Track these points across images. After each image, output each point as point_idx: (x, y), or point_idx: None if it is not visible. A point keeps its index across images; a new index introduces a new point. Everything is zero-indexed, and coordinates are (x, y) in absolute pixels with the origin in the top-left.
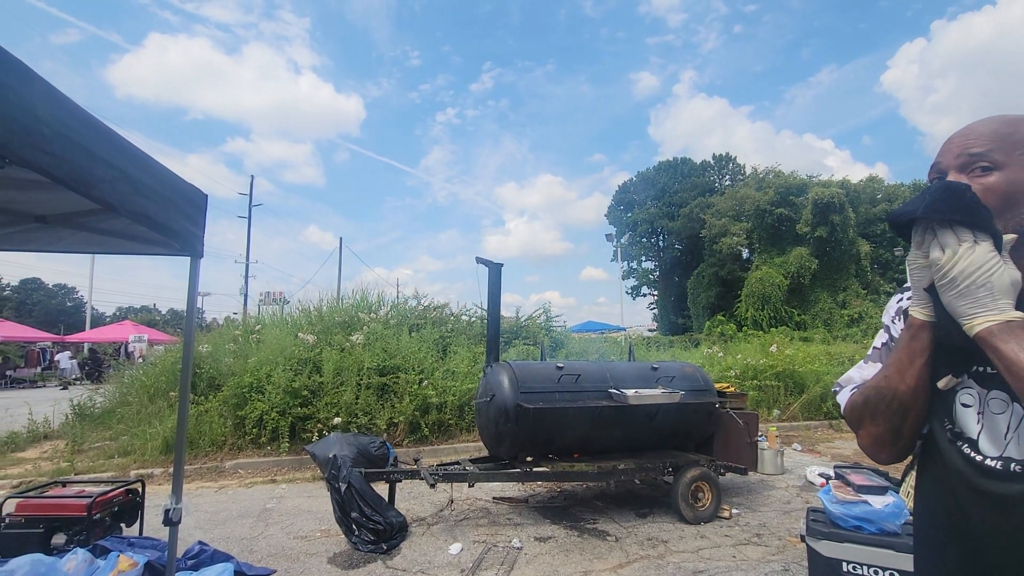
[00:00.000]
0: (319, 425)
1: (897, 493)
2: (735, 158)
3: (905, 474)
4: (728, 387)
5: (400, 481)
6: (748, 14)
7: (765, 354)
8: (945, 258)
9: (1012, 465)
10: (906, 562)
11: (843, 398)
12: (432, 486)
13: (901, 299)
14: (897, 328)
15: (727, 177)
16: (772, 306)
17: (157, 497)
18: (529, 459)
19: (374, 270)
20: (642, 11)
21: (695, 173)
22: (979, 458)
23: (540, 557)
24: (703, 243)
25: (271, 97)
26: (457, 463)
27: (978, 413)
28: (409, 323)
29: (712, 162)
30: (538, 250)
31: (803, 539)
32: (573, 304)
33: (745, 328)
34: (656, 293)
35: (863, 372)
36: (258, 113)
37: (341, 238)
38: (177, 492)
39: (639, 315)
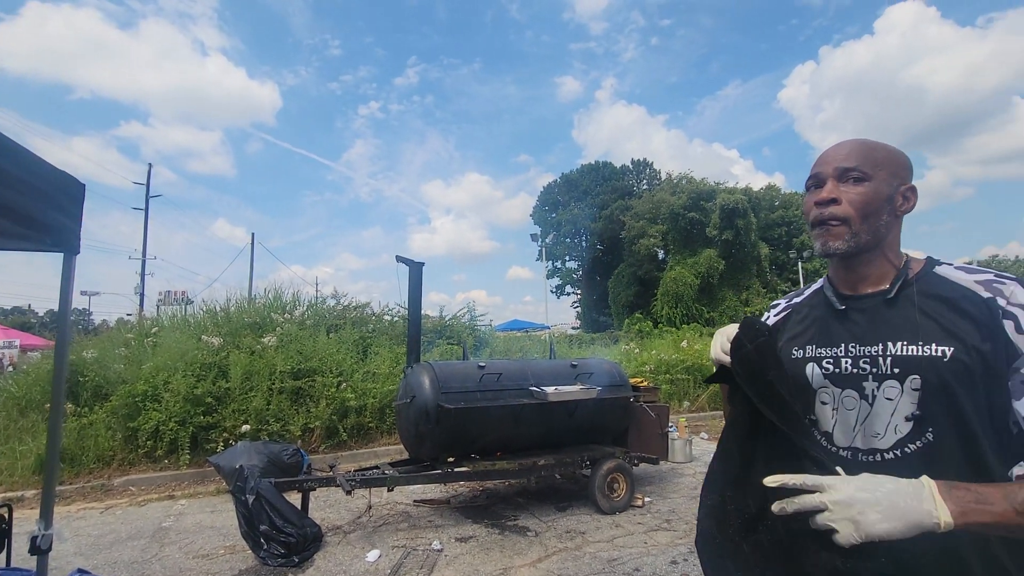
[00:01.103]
0: (225, 434)
1: None
2: (652, 163)
3: None
4: (642, 382)
5: (314, 489)
6: (663, 28)
7: (677, 349)
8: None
9: (859, 455)
10: None
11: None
12: (349, 493)
13: (768, 317)
14: None
15: (645, 181)
16: (684, 304)
17: (27, 523)
18: (451, 460)
19: (290, 268)
20: (566, 17)
21: (615, 177)
22: (833, 448)
23: (461, 558)
24: (623, 244)
25: (173, 79)
26: (376, 467)
27: (833, 410)
28: (327, 324)
29: (631, 167)
30: (465, 249)
31: None
32: (499, 303)
33: (660, 325)
34: (579, 292)
35: None
36: (157, 95)
37: (253, 233)
38: (47, 516)
39: (563, 313)
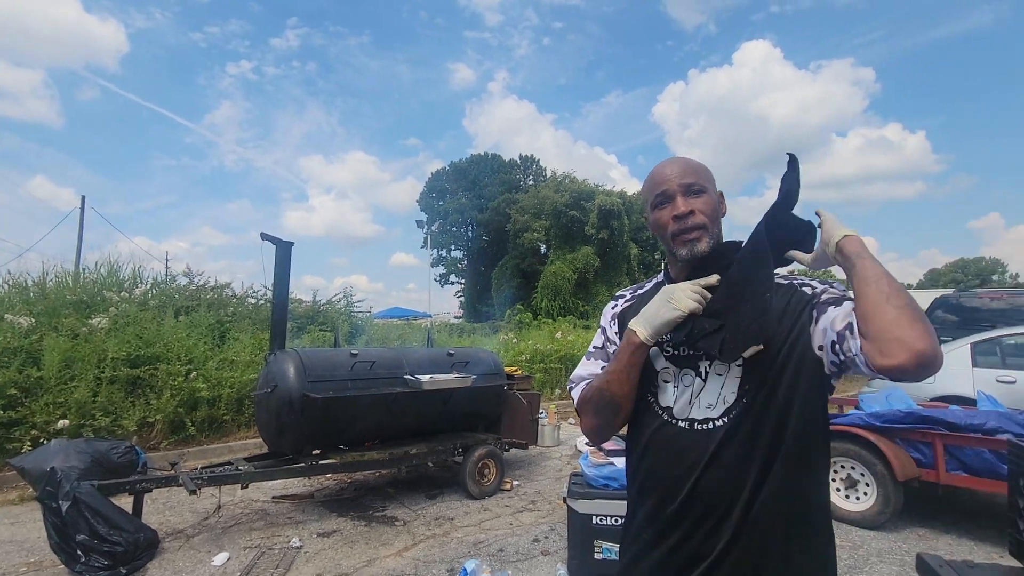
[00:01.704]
0: (34, 432)
1: None
2: (539, 160)
3: None
4: (516, 370)
5: (150, 491)
6: (555, 30)
7: (552, 340)
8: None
9: (695, 424)
10: None
11: (576, 393)
12: (193, 492)
13: (616, 306)
14: (612, 332)
15: (531, 177)
16: (562, 297)
17: None
18: (316, 452)
19: (133, 240)
20: (462, 3)
21: (504, 170)
22: (672, 420)
23: (322, 553)
24: (508, 236)
25: None
26: (229, 463)
27: (673, 387)
28: (177, 305)
29: (519, 161)
30: (346, 231)
31: (565, 501)
32: (381, 289)
33: (540, 317)
34: (463, 282)
35: (588, 369)
36: None
37: (84, 197)
38: None
39: (447, 302)
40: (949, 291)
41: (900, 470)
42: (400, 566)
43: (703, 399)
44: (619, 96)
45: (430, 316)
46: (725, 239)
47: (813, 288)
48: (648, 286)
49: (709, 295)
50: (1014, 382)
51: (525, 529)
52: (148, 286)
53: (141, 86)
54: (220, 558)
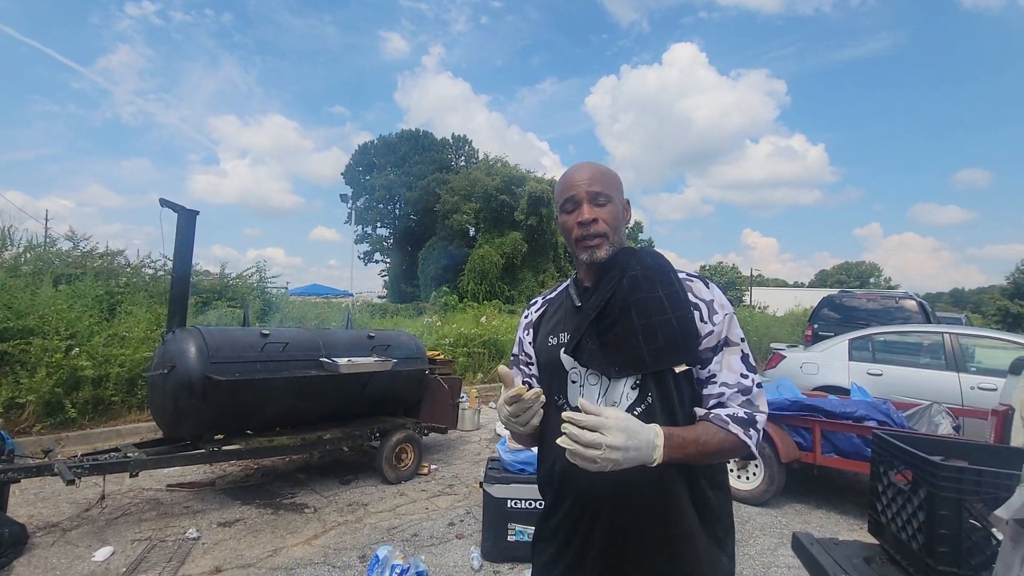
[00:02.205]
0: None
1: None
2: (471, 141)
3: None
4: (439, 354)
5: (17, 481)
6: (494, 9)
7: (477, 324)
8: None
9: None
10: None
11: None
12: (71, 482)
13: (528, 315)
14: (528, 341)
15: (463, 158)
16: (489, 281)
17: None
18: (218, 437)
19: (4, 195)
20: None
21: (435, 148)
22: None
23: (223, 543)
24: (437, 217)
25: None
26: (116, 449)
27: (579, 386)
28: (57, 272)
29: (451, 141)
30: (262, 200)
31: (481, 485)
32: (299, 264)
33: (466, 300)
34: (389, 261)
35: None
36: None
37: None
38: None
39: (371, 281)
40: (835, 291)
41: (784, 453)
42: (308, 555)
43: (609, 397)
44: (554, 84)
45: (351, 295)
46: (630, 243)
47: (699, 312)
48: (558, 290)
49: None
50: (881, 374)
51: (441, 513)
52: (21, 249)
53: (22, 18)
54: (102, 553)
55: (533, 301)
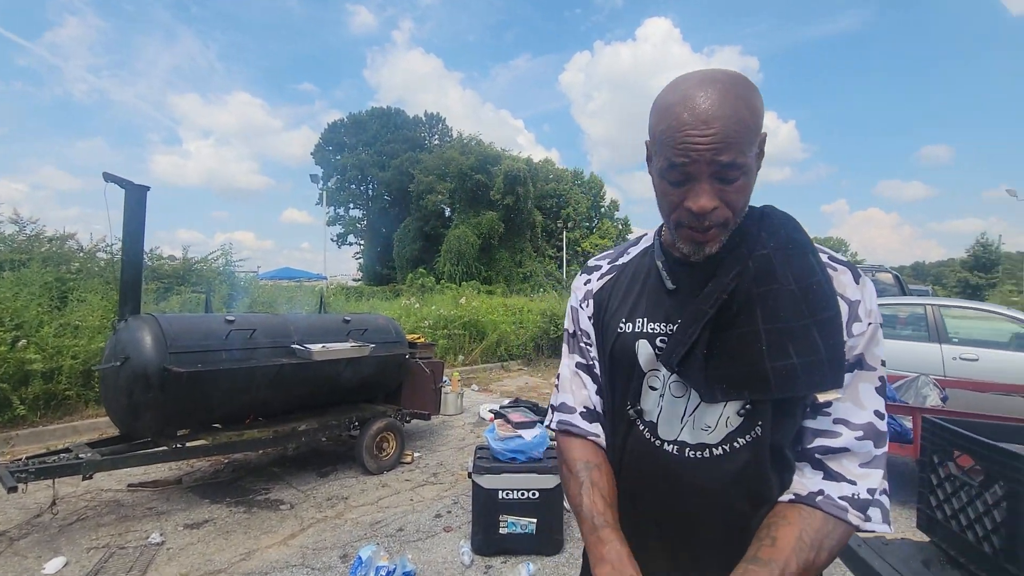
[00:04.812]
0: None
1: (543, 426)
2: (445, 119)
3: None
4: (419, 338)
5: None
6: None
7: (455, 306)
8: None
9: (687, 450)
10: (546, 482)
11: (557, 441)
12: (12, 489)
13: (589, 280)
14: (586, 317)
15: (436, 137)
16: (466, 262)
17: None
18: (182, 433)
19: None
20: None
21: (407, 127)
22: (657, 442)
23: (190, 548)
24: (411, 197)
25: None
26: (67, 450)
27: (660, 396)
28: (1, 258)
29: (424, 119)
30: (229, 181)
31: (470, 475)
32: (271, 248)
33: (443, 281)
34: (363, 243)
35: (567, 376)
36: None
37: None
38: None
39: (345, 264)
40: None
41: None
42: (285, 556)
43: (699, 418)
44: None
45: (325, 279)
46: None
47: (848, 314)
48: (632, 255)
49: None
50: None
51: (426, 504)
52: None
53: None
54: (54, 564)
55: (594, 263)
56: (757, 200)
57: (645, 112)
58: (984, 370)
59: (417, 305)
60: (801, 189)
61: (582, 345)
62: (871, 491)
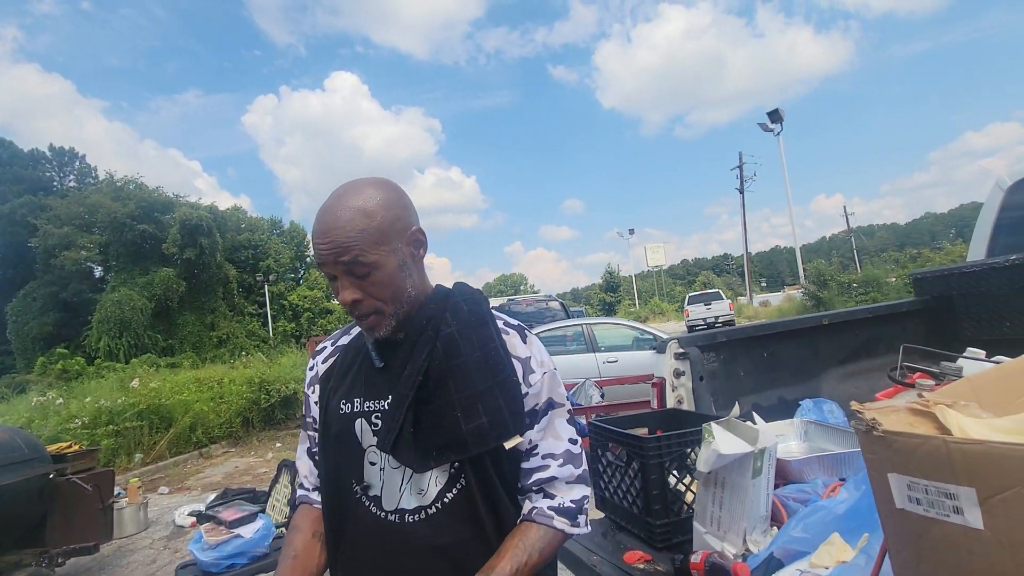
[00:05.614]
0: None
1: (266, 514)
2: (84, 156)
3: (271, 488)
4: (70, 446)
5: None
6: None
7: (125, 391)
8: None
9: (406, 516)
10: None
11: (296, 512)
12: None
13: (313, 365)
14: (313, 402)
15: (71, 177)
16: (133, 332)
17: None
18: None
19: None
20: None
21: (21, 163)
22: (381, 514)
23: None
24: (35, 256)
25: None
26: None
27: (380, 470)
28: None
29: (50, 154)
30: None
31: None
32: None
33: (98, 361)
34: None
35: (306, 464)
36: None
37: None
38: None
39: None
40: (503, 299)
41: None
42: None
43: (416, 484)
44: (200, 96)
45: None
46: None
47: (520, 377)
48: (353, 335)
49: None
50: None
51: None
52: None
53: None
54: None
55: (321, 345)
56: (458, 248)
57: (342, 160)
58: (622, 368)
59: (60, 400)
60: (485, 234)
61: (310, 433)
62: (575, 501)
